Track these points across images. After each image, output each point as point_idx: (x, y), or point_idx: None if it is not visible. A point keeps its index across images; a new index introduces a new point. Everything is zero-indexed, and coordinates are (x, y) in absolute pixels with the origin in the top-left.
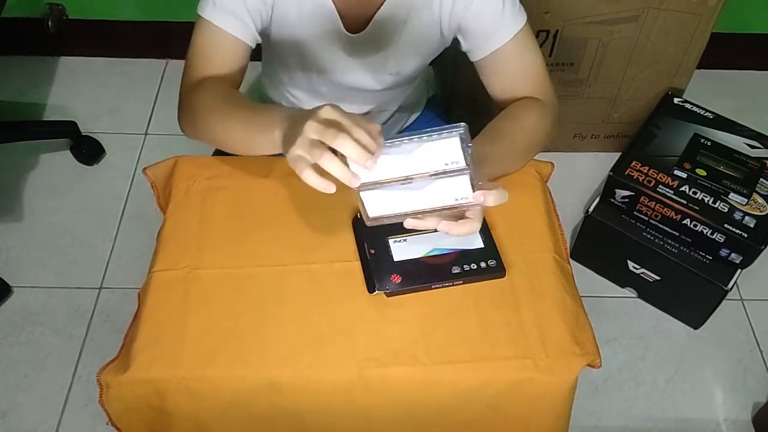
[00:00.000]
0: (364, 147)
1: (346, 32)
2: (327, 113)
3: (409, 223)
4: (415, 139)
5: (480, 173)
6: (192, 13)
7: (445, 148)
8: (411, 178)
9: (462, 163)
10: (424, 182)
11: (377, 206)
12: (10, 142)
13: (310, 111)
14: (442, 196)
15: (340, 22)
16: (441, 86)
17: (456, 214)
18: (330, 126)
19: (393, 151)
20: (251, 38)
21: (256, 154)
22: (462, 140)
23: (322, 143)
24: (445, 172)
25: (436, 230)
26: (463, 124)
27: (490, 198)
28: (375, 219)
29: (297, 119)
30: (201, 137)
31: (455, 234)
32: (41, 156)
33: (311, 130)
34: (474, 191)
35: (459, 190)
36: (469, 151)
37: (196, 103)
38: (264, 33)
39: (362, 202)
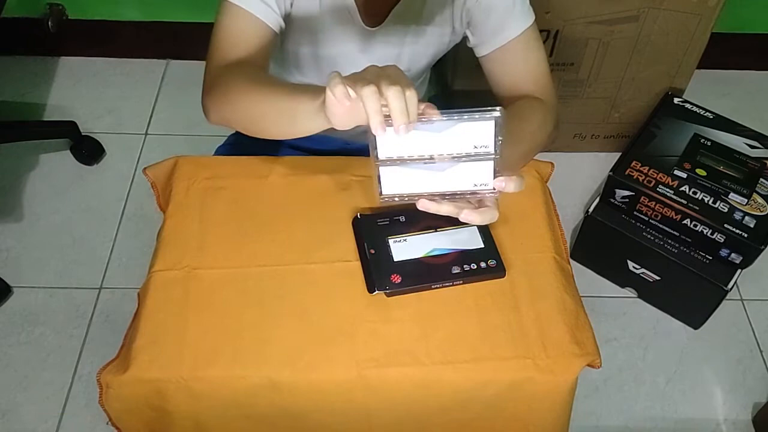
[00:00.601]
0: (408, 111)
1: (364, 26)
2: (392, 68)
3: (422, 205)
4: (455, 117)
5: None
6: (192, 14)
7: (479, 130)
8: (434, 158)
9: (491, 149)
10: (446, 164)
11: (393, 184)
12: (10, 142)
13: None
14: (462, 180)
15: (359, 15)
16: (441, 86)
17: (470, 200)
18: (389, 76)
19: (424, 126)
20: (276, 24)
21: (296, 126)
22: (497, 125)
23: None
24: (471, 155)
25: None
26: (499, 108)
27: (511, 184)
28: (387, 197)
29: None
30: (232, 114)
31: (476, 222)
32: (41, 156)
33: (370, 71)
34: (495, 178)
35: (480, 176)
36: (500, 138)
37: (230, 80)
38: (285, 20)
39: (378, 178)
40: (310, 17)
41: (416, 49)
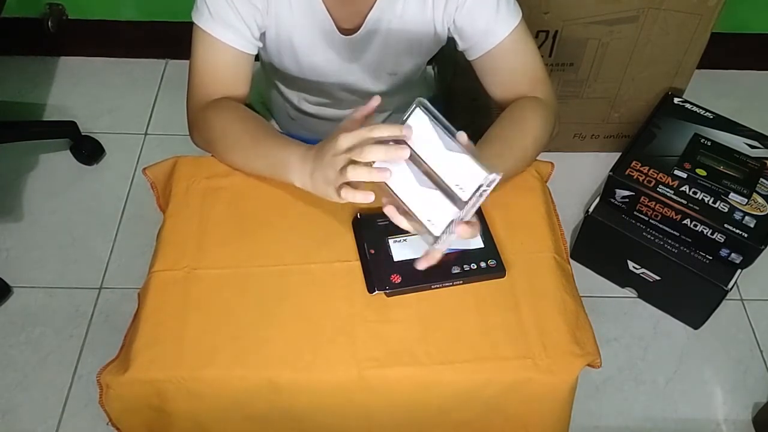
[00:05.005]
0: (388, 142)
1: (340, 35)
2: (344, 142)
3: (387, 210)
4: (464, 148)
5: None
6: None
7: (471, 172)
8: (427, 170)
9: (466, 195)
10: (426, 180)
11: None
12: (10, 142)
13: (327, 146)
14: (423, 206)
15: (334, 25)
16: (441, 86)
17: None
18: (353, 148)
19: (444, 137)
20: (252, 47)
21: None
22: (486, 182)
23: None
24: (446, 189)
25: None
26: (500, 175)
27: (468, 231)
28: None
29: (316, 160)
30: (219, 158)
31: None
32: (41, 156)
33: (340, 162)
34: (453, 227)
35: (439, 215)
36: (478, 195)
37: (211, 131)
38: (261, 37)
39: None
40: (287, 31)
41: (399, 52)
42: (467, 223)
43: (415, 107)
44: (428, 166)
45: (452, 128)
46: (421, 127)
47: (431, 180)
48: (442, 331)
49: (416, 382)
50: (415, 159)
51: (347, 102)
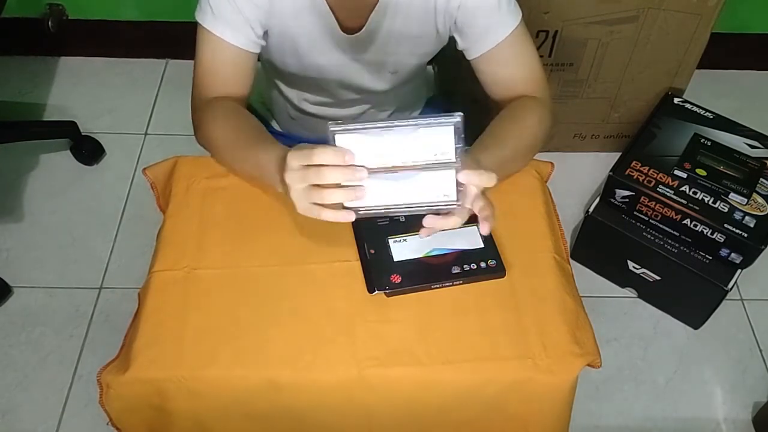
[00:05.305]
0: (343, 165)
1: (343, 33)
2: (295, 160)
3: (426, 227)
4: (414, 124)
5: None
6: (192, 14)
7: (438, 137)
8: (397, 168)
9: (451, 156)
10: (409, 173)
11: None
12: (10, 142)
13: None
14: (427, 191)
15: (336, 23)
16: (441, 86)
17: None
18: (306, 169)
19: (384, 134)
20: (255, 46)
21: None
22: (456, 131)
23: (313, 185)
24: (432, 164)
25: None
26: (459, 114)
27: (476, 178)
28: (352, 210)
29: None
30: (216, 159)
31: (438, 228)
32: (41, 156)
33: (295, 180)
34: (458, 188)
35: (444, 186)
36: (461, 145)
37: (210, 131)
38: (264, 36)
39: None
40: (290, 30)
41: (401, 52)
42: (470, 171)
43: (332, 136)
44: (395, 164)
45: (382, 123)
46: (353, 143)
47: (411, 170)
48: (442, 331)
49: (416, 381)
50: (375, 172)
51: (348, 101)
